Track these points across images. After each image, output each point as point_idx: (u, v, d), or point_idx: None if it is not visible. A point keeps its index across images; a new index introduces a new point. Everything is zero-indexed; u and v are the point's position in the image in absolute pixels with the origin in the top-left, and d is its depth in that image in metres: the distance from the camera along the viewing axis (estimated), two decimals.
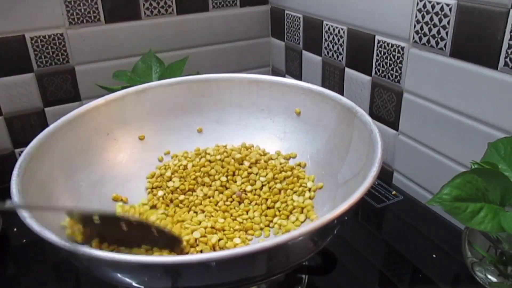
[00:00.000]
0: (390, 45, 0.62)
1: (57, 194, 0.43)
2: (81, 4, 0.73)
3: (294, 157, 0.54)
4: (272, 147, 0.56)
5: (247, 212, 0.49)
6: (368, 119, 0.45)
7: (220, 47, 0.87)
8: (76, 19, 0.73)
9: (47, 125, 0.47)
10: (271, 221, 0.48)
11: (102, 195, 0.49)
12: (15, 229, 0.58)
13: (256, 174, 0.52)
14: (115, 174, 0.52)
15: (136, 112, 0.55)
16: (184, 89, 0.58)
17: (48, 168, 0.44)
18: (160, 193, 0.51)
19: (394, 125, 0.65)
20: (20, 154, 0.48)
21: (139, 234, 0.39)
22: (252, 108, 0.58)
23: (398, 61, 0.61)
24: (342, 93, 0.73)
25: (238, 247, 0.32)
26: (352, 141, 0.48)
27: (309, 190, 0.50)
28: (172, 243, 0.40)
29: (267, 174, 0.52)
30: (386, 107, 0.66)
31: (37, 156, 0.43)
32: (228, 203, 0.50)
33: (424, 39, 0.56)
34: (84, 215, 0.37)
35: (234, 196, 0.51)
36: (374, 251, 0.55)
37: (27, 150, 0.42)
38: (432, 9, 0.54)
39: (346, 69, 0.72)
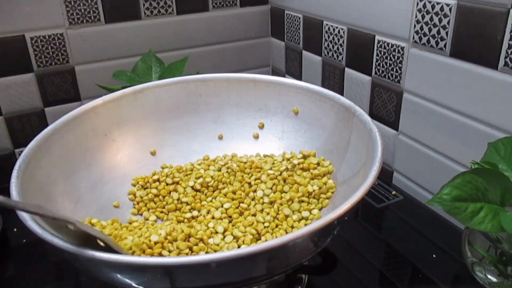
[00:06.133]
0: (390, 45, 0.62)
1: (56, 195, 0.43)
2: (81, 4, 0.73)
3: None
4: (270, 146, 0.56)
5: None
6: (367, 118, 0.45)
7: (220, 47, 0.87)
8: (76, 19, 0.73)
9: (47, 125, 0.47)
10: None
11: (101, 196, 0.49)
12: (15, 229, 0.59)
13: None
14: (113, 175, 0.52)
15: (134, 112, 0.55)
16: (181, 89, 0.58)
17: (47, 169, 0.44)
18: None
19: (394, 125, 0.65)
20: (20, 154, 0.48)
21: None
22: (249, 108, 0.58)
23: (398, 61, 0.61)
24: (342, 93, 0.73)
25: (238, 249, 0.32)
26: (351, 140, 0.48)
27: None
28: None
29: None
30: (386, 107, 0.66)
31: (35, 158, 0.42)
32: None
33: (424, 39, 0.56)
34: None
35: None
36: (374, 251, 0.54)
37: (25, 151, 0.42)
38: (432, 9, 0.54)
39: (346, 69, 0.72)
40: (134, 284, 0.33)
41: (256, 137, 0.57)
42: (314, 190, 0.47)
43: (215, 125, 0.58)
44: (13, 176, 0.39)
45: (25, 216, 0.33)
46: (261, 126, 0.57)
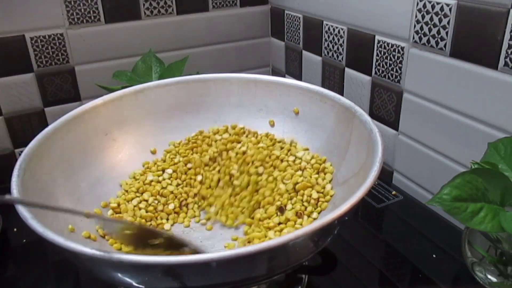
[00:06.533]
0: (390, 45, 0.62)
1: (56, 194, 0.43)
2: (81, 4, 0.73)
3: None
4: None
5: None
6: (368, 118, 0.45)
7: (220, 47, 0.87)
8: (76, 19, 0.73)
9: (47, 125, 0.47)
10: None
11: (102, 195, 0.49)
12: (15, 229, 0.58)
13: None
14: (114, 174, 0.52)
15: (135, 112, 0.55)
16: (182, 89, 0.58)
17: (47, 168, 0.44)
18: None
19: (394, 125, 0.65)
20: (20, 154, 0.48)
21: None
22: (250, 108, 0.58)
23: (398, 61, 0.61)
24: (342, 93, 0.73)
25: (239, 248, 0.31)
26: (352, 140, 0.48)
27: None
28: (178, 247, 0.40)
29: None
30: (386, 107, 0.66)
31: (36, 157, 0.43)
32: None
33: (424, 39, 0.56)
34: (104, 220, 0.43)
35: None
36: (374, 251, 0.54)
37: (26, 151, 0.42)
38: (432, 9, 0.54)
39: (346, 69, 0.72)
40: (134, 284, 0.33)
41: None
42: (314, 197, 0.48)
43: (215, 125, 0.58)
44: (14, 175, 0.39)
45: (25, 215, 0.33)
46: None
